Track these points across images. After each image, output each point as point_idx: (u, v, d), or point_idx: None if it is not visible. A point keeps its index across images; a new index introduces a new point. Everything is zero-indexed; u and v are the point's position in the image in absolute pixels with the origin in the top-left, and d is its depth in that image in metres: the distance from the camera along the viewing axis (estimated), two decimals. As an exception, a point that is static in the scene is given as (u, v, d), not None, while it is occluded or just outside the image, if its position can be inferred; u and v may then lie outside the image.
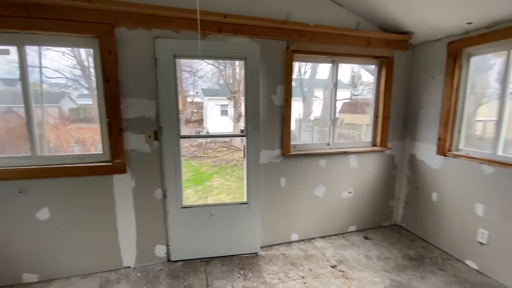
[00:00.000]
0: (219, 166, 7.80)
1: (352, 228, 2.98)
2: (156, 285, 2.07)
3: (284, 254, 2.54)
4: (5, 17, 1.76)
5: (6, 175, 1.91)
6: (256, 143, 2.38)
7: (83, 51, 2.54)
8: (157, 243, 2.34)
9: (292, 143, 2.67)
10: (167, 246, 2.36)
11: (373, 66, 2.89)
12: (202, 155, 8.35)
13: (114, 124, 2.07)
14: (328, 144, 2.82)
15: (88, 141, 2.87)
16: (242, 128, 2.47)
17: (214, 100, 12.75)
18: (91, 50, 2.04)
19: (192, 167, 7.77)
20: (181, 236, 2.36)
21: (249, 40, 2.29)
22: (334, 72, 2.73)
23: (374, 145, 2.99)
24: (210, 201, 5.36)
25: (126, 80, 2.07)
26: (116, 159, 2.12)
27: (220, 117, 12.28)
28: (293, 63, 2.48)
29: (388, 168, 3.01)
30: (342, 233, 2.93)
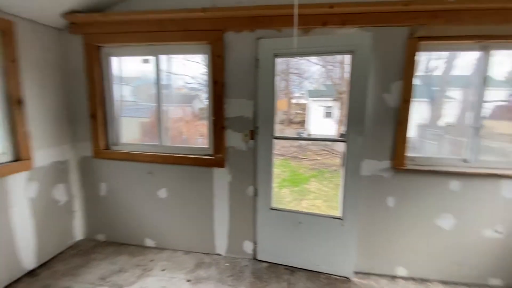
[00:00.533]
0: (317, 170, 7.48)
1: (495, 281, 2.10)
2: (240, 280, 2.13)
3: (383, 289, 2.07)
4: (146, 33, 2.21)
5: (142, 158, 2.44)
6: (358, 151, 2.03)
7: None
8: (246, 239, 2.41)
9: (410, 154, 2.13)
10: (255, 244, 2.39)
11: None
12: (301, 157, 8.26)
13: (218, 122, 2.26)
14: (466, 161, 2.08)
15: (205, 135, 3.31)
16: (343, 133, 2.17)
17: (319, 101, 12.39)
18: (206, 56, 2.29)
19: (290, 168, 7.81)
20: (268, 237, 2.33)
21: (359, 30, 1.96)
22: (484, 63, 1.97)
23: (552, 169, 1.98)
24: (305, 204, 5.15)
25: (230, 81, 2.21)
26: (217, 154, 2.31)
27: (324, 119, 11.81)
28: (418, 54, 1.95)
29: None
30: (476, 285, 2.11)
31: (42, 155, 2.25)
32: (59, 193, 2.44)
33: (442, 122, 3.60)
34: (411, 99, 1.98)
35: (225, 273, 2.22)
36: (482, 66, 1.97)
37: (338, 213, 2.18)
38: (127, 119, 2.71)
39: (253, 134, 2.24)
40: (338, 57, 8.64)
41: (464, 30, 1.86)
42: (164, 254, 2.47)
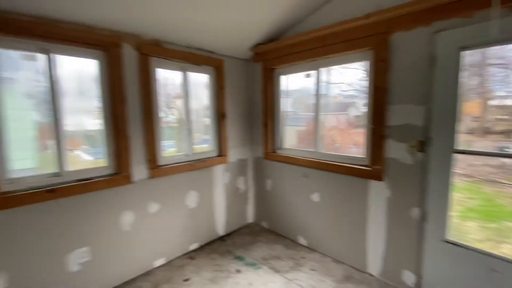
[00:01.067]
0: (536, 204, 4.98)
1: None
2: (395, 312, 1.86)
3: None
4: (309, 50, 2.45)
5: (299, 162, 2.71)
6: None
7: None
8: (406, 268, 2.06)
9: None
10: (418, 277, 1.99)
11: None
12: (504, 181, 5.81)
13: (377, 130, 2.11)
14: None
15: (360, 144, 3.18)
16: None
17: None
18: (367, 62, 2.21)
19: (483, 195, 5.70)
20: (438, 274, 1.88)
21: None
22: None
23: None
24: (506, 250, 3.58)
25: (394, 86, 1.99)
26: (375, 165, 2.15)
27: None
28: None
29: None
30: None
31: (233, 153, 3.06)
32: (240, 183, 3.21)
33: None
34: None
35: (376, 297, 2.02)
36: None
37: None
38: (288, 128, 3.11)
39: (422, 146, 1.89)
40: None
41: None
42: (314, 255, 2.60)
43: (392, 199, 2.09)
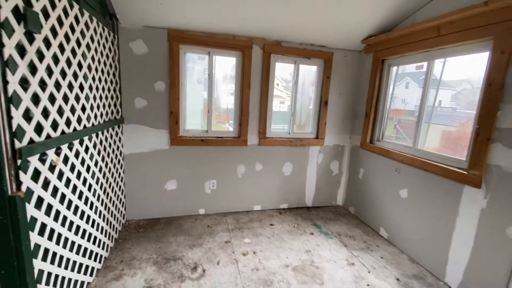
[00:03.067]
0: None
1: None
2: (455, 322, 1.77)
3: None
4: (421, 41, 2.34)
5: (394, 156, 2.70)
6: None
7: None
8: (494, 285, 1.83)
9: None
10: (504, 304, 1.74)
11: None
12: None
13: (482, 132, 1.88)
14: None
15: (461, 146, 2.60)
16: None
17: None
18: (487, 53, 1.93)
19: None
20: (530, 309, 1.59)
21: None
22: None
23: None
24: None
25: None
26: (473, 170, 1.94)
27: None
28: None
29: None
30: None
31: (330, 138, 3.40)
32: (334, 167, 3.51)
33: None
34: None
35: (441, 303, 1.94)
36: None
37: None
38: (432, 126, 2.65)
39: (539, 156, 1.58)
40: None
41: None
42: (390, 248, 2.63)
43: (487, 211, 1.85)
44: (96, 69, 2.02)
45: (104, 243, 2.17)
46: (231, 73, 3.05)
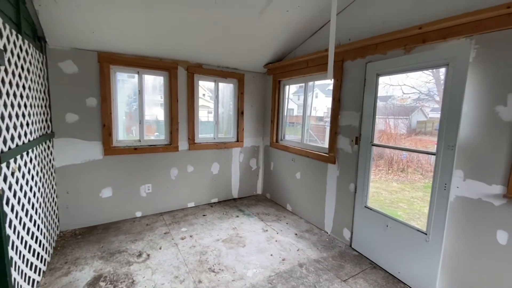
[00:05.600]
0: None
1: None
2: (327, 251, 2.77)
3: (468, 332, 1.78)
4: (299, 69, 3.44)
5: (290, 150, 3.72)
6: (448, 167, 1.92)
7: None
8: (346, 226, 2.92)
9: None
10: (351, 233, 2.84)
11: None
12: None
13: (333, 128, 3.00)
14: None
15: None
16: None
17: None
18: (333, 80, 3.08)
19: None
20: (361, 230, 2.70)
21: (466, 40, 1.87)
22: None
23: None
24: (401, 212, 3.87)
25: (344, 98, 2.86)
26: (331, 153, 3.04)
27: None
28: (559, 53, 1.51)
29: None
30: None
31: (248, 141, 4.25)
32: (253, 163, 4.37)
33: None
34: (542, 112, 1.56)
35: (320, 242, 2.94)
36: None
37: (423, 227, 2.12)
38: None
39: (357, 140, 2.73)
40: None
41: None
42: (293, 217, 3.61)
43: (339, 177, 2.96)
44: (24, 86, 2.03)
45: (45, 249, 2.34)
46: (160, 89, 3.54)
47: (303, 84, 3.61)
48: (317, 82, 3.61)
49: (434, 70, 2.51)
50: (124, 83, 3.40)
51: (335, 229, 3.05)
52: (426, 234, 2.08)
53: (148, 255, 2.58)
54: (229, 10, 2.60)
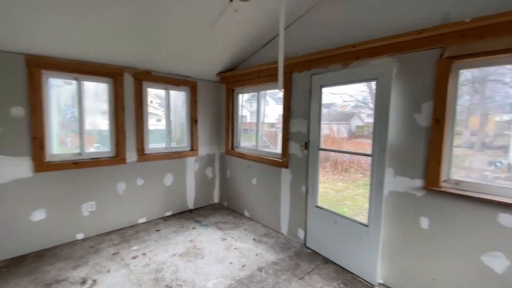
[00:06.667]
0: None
1: None
2: (284, 252, 2.89)
3: (404, 307, 2.07)
4: (252, 79, 3.57)
5: (246, 157, 3.80)
6: (381, 166, 2.23)
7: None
8: (300, 227, 3.10)
9: (455, 177, 2.01)
10: (305, 232, 3.03)
11: None
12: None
13: (285, 134, 3.19)
14: (540, 195, 1.68)
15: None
16: (377, 149, 2.38)
17: None
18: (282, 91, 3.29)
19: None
20: (314, 229, 2.90)
21: (389, 59, 2.22)
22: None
23: None
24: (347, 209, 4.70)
25: (294, 106, 3.07)
26: (284, 158, 3.22)
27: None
28: (453, 72, 1.92)
29: None
30: None
31: (203, 149, 4.19)
32: (209, 172, 4.32)
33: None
34: (445, 119, 1.95)
35: (278, 244, 3.06)
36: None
37: (365, 220, 2.40)
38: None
39: (306, 145, 2.95)
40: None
41: (508, 42, 1.67)
42: (251, 222, 3.67)
43: (292, 181, 3.15)
44: None
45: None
46: (103, 97, 3.26)
47: (256, 93, 3.76)
48: (270, 92, 3.80)
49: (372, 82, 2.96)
50: (60, 89, 3.04)
51: (291, 230, 3.21)
52: (367, 226, 2.36)
53: (94, 280, 2.33)
54: (178, 20, 2.58)
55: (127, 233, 3.27)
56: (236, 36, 3.09)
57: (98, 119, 3.33)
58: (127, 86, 3.32)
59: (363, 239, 2.39)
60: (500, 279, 1.76)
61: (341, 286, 2.32)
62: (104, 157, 3.23)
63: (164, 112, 3.81)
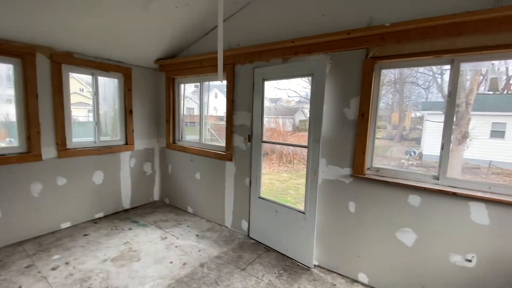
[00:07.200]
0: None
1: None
2: (227, 245, 2.88)
3: (335, 285, 2.27)
4: (194, 68, 3.40)
5: (189, 150, 3.63)
6: (316, 157, 2.38)
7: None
8: (244, 218, 3.12)
9: (378, 165, 2.26)
10: (249, 223, 3.07)
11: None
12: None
13: (228, 127, 3.14)
14: (437, 178, 2.01)
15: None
16: (313, 141, 2.53)
17: (435, 115, 10.67)
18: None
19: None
20: (257, 220, 2.96)
21: (324, 56, 2.36)
22: (453, 76, 1.90)
23: (545, 198, 1.64)
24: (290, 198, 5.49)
25: (237, 99, 3.04)
26: (228, 151, 3.17)
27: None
28: (376, 71, 2.14)
29: None
30: (446, 317, 1.94)
31: (140, 143, 3.84)
32: (147, 167, 4.00)
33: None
34: (369, 113, 2.16)
35: (221, 238, 3.03)
36: (452, 79, 1.91)
37: (302, 207, 2.55)
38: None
39: (250, 138, 2.96)
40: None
41: (421, 46, 1.93)
42: (194, 218, 3.55)
43: (236, 173, 3.14)
44: None
45: None
46: (9, 81, 2.68)
47: (199, 84, 3.60)
48: (216, 83, 3.68)
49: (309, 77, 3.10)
50: None
51: (235, 222, 3.22)
52: (304, 213, 2.51)
53: (-3, 302, 1.93)
54: (105, -6, 2.26)
55: (46, 241, 2.81)
56: (175, 21, 2.88)
57: (8, 109, 2.74)
58: (42, 69, 2.79)
59: (301, 225, 2.54)
60: (410, 251, 2.07)
61: (281, 272, 2.43)
62: (12, 154, 2.68)
63: (92, 101, 3.35)
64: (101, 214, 3.48)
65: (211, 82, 3.68)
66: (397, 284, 2.14)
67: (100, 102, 3.42)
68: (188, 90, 4.30)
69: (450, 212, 1.89)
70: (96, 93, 3.34)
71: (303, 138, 9.37)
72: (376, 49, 2.09)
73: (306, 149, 2.49)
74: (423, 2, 1.89)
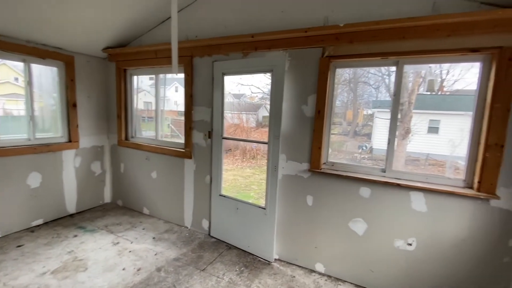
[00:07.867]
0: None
1: (414, 298, 2.07)
2: (187, 245, 2.77)
3: (294, 277, 2.34)
4: (148, 59, 3.15)
5: (144, 148, 3.38)
6: (276, 153, 2.41)
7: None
8: (204, 217, 3.03)
9: (333, 160, 2.36)
10: (210, 222, 2.99)
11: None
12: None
13: (187, 123, 2.99)
14: (384, 171, 2.17)
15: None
16: (273, 137, 2.55)
17: (383, 113, 11.64)
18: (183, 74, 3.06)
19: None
20: (218, 218, 2.89)
21: (283, 52, 2.37)
22: (398, 77, 2.06)
23: (468, 186, 1.89)
24: (253, 193, 5.71)
25: (196, 93, 2.91)
26: (187, 148, 3.03)
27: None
28: (331, 70, 2.22)
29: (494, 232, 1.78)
30: (392, 296, 2.13)
31: (86, 140, 3.46)
32: (96, 167, 3.63)
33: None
34: (325, 110, 2.24)
35: (180, 239, 2.90)
36: (397, 80, 2.07)
37: (263, 203, 2.57)
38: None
39: (210, 134, 2.87)
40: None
41: (371, 48, 2.04)
42: (150, 220, 3.34)
43: (196, 171, 3.02)
44: None
45: None
46: None
47: (154, 76, 3.36)
48: (177, 76, 3.46)
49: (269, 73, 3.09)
50: None
51: (195, 222, 3.11)
52: (265, 209, 2.53)
53: None
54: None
55: (-36, 258, 2.38)
56: (127, 5, 2.62)
57: None
58: (-48, 51, 2.31)
59: (262, 221, 2.55)
60: (361, 239, 2.22)
61: (242, 268, 2.42)
62: None
63: (25, 92, 2.90)
64: (40, 221, 3.06)
65: (171, 75, 3.46)
66: (349, 270, 2.28)
67: (36, 93, 2.99)
68: (145, 83, 4.02)
69: (395, 201, 2.07)
70: (29, 83, 2.90)
71: (266, 134, 9.49)
72: (331, 48, 2.17)
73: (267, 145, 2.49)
74: (373, 6, 2.00)
